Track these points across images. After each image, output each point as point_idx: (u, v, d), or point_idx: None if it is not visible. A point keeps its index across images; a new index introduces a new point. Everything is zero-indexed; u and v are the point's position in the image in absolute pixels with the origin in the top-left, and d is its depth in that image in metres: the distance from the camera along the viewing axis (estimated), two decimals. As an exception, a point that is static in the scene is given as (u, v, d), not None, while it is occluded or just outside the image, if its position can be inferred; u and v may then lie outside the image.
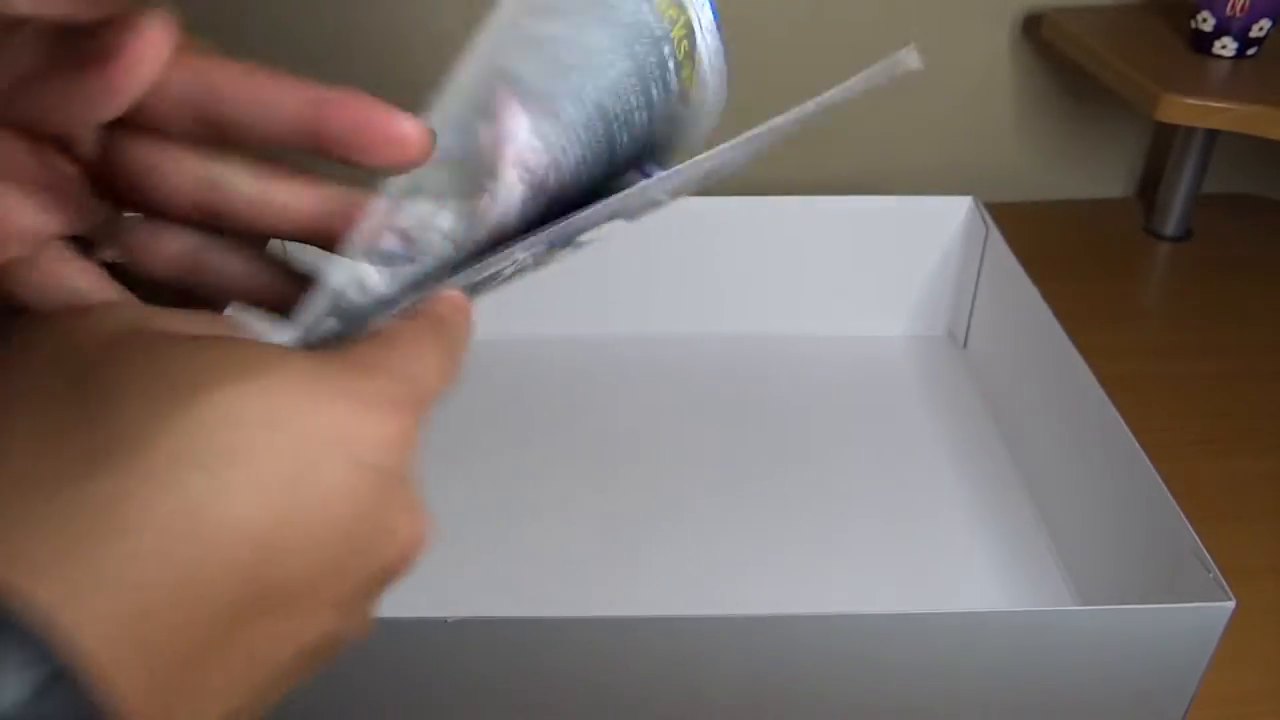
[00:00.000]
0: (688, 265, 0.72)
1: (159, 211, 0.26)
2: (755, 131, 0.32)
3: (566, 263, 0.32)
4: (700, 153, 0.32)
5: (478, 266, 0.29)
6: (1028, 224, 0.79)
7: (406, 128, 0.24)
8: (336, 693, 0.43)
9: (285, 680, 0.22)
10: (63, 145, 0.25)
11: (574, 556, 0.56)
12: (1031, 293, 0.61)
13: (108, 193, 0.26)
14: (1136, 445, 0.48)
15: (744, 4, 0.86)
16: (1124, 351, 0.71)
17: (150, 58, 0.21)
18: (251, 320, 0.25)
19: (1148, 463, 0.47)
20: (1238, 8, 0.77)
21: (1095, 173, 1.00)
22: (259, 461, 0.20)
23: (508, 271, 0.31)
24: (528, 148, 0.30)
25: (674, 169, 0.33)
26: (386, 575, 0.24)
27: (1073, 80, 0.93)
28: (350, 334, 0.27)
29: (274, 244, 0.30)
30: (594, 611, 0.40)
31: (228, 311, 0.28)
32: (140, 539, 0.18)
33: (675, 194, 0.33)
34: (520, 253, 0.30)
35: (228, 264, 0.27)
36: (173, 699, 0.18)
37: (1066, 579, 0.54)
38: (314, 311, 0.26)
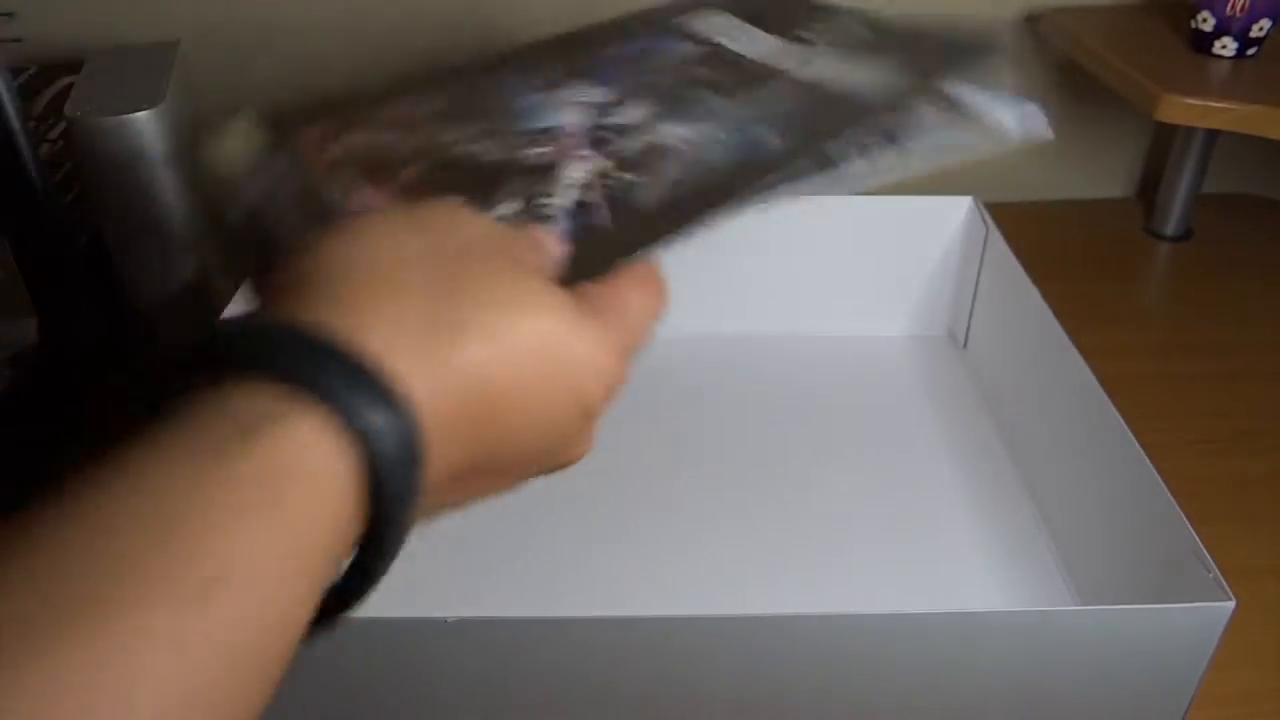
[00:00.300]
0: (687, 266, 0.72)
1: None
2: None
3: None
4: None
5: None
6: (1028, 224, 0.79)
7: None
8: (337, 692, 0.43)
9: (465, 506, 0.32)
10: None
11: (573, 556, 0.56)
12: (1031, 293, 0.61)
13: None
14: (1136, 445, 0.48)
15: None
16: (1124, 351, 0.71)
17: None
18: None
19: (1148, 463, 0.47)
20: (1238, 8, 0.77)
21: (1095, 173, 1.00)
22: (534, 373, 0.29)
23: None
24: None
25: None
26: (555, 468, 0.33)
27: (1072, 80, 0.93)
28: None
29: None
30: (594, 612, 0.40)
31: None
32: (464, 389, 0.27)
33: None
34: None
35: None
36: (436, 488, 0.27)
37: (1066, 579, 0.54)
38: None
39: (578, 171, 0.39)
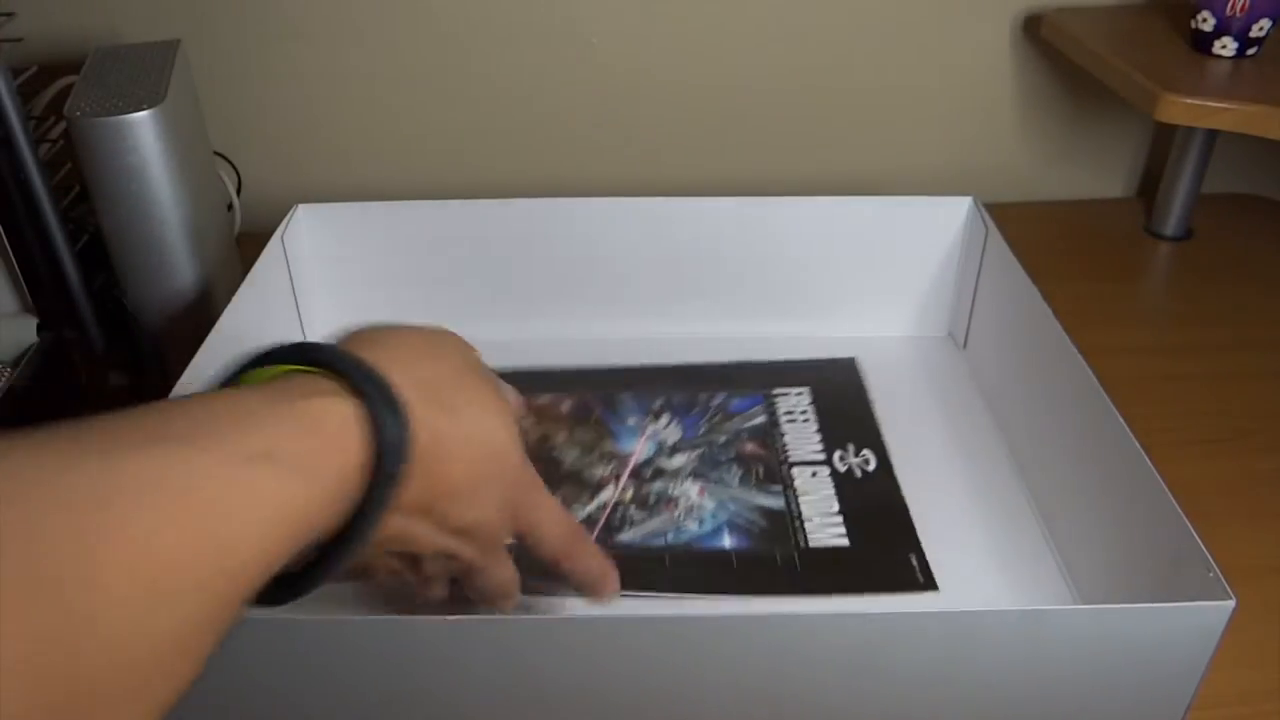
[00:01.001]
0: (689, 266, 0.72)
1: None
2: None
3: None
4: None
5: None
6: (1028, 224, 0.79)
7: None
8: (338, 691, 0.43)
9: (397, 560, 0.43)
10: None
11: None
12: (1031, 293, 0.61)
13: None
14: (1136, 445, 0.48)
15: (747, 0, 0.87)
16: (1124, 351, 0.71)
17: None
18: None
19: (1148, 463, 0.47)
20: (1238, 8, 0.77)
21: (1095, 173, 1.00)
22: (480, 454, 0.40)
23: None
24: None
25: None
26: (471, 563, 0.43)
27: (1073, 80, 0.93)
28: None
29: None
30: (593, 611, 0.40)
31: None
32: (431, 441, 0.37)
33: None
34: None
35: None
36: (403, 504, 0.36)
37: (1066, 579, 0.54)
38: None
39: (608, 496, 0.57)
